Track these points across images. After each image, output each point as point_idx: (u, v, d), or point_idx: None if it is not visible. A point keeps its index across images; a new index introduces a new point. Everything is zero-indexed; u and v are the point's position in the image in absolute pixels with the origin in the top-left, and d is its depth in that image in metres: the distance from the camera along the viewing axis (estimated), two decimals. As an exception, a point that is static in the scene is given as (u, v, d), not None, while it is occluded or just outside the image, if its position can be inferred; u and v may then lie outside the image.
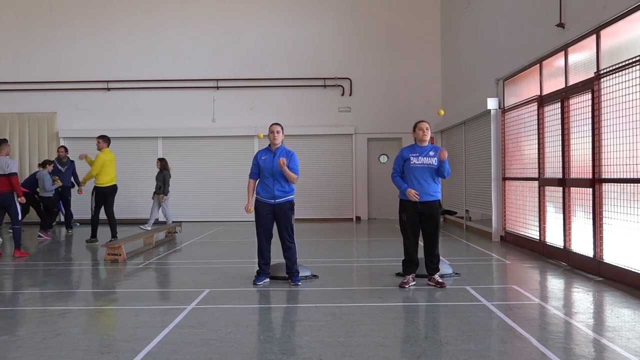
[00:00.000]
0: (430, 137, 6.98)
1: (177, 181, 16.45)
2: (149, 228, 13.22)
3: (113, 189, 11.03)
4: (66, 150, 13.70)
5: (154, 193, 13.56)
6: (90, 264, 8.94)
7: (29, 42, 16.67)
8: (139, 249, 10.16)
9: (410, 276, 6.69)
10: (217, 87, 16.55)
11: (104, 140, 11.07)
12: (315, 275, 7.28)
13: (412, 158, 6.56)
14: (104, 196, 10.93)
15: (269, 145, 7.01)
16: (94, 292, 6.98)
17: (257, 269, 7.06)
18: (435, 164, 6.51)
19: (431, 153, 6.56)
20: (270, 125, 6.95)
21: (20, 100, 16.61)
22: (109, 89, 16.64)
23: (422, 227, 6.64)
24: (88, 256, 9.60)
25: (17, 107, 16.59)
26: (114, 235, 10.83)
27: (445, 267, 7.25)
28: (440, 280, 6.60)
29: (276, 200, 6.83)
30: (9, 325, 5.23)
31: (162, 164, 13.73)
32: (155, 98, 16.61)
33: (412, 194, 6.46)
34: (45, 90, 16.57)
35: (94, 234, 11.12)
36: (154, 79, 16.51)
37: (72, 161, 13.59)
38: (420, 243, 6.75)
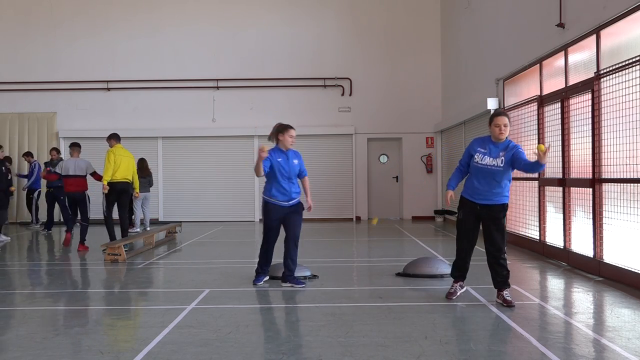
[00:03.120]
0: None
1: (177, 181, 16.50)
2: (138, 230, 13.24)
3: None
4: (58, 152, 13.66)
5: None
6: (90, 264, 8.93)
7: (29, 42, 16.67)
8: (139, 249, 10.16)
9: (458, 284, 6.01)
10: (217, 87, 16.55)
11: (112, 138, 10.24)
12: (315, 275, 7.27)
13: (476, 156, 5.73)
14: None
15: (278, 145, 6.79)
16: (94, 292, 6.98)
17: (257, 268, 7.01)
18: (501, 165, 5.59)
19: (501, 153, 5.62)
20: (290, 130, 6.66)
21: (20, 100, 16.61)
22: (109, 89, 16.64)
23: (483, 233, 5.82)
24: (88, 256, 9.60)
25: (17, 107, 16.59)
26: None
27: (445, 267, 7.24)
28: (507, 298, 5.62)
29: (291, 202, 6.74)
30: (9, 325, 5.22)
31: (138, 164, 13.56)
32: (155, 98, 16.61)
33: (447, 197, 5.87)
34: (45, 90, 16.57)
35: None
36: (154, 79, 16.51)
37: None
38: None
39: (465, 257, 5.92)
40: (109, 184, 9.74)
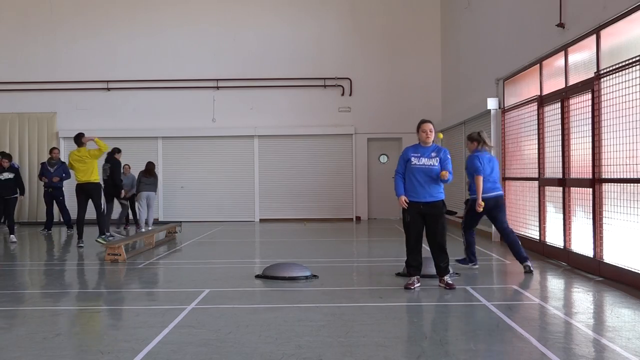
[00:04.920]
0: (438, 134, 6.87)
1: (176, 181, 16.48)
2: (143, 229, 13.28)
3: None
4: (58, 151, 13.66)
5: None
6: (90, 264, 8.94)
7: (29, 42, 16.65)
8: (139, 249, 10.16)
9: (415, 277, 6.56)
10: (217, 87, 16.55)
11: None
12: (315, 275, 7.27)
13: (412, 159, 6.50)
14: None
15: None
16: (94, 292, 6.98)
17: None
18: (437, 165, 6.43)
19: (433, 154, 6.48)
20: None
21: (20, 100, 16.59)
22: (109, 89, 16.64)
23: (426, 228, 6.55)
24: (88, 256, 9.60)
25: (17, 107, 16.57)
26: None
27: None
28: (449, 282, 6.50)
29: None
30: (9, 325, 5.22)
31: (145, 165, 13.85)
32: (155, 98, 16.60)
33: (401, 201, 6.48)
34: (45, 90, 16.55)
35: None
36: (154, 79, 16.50)
37: (63, 162, 13.16)
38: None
39: (417, 254, 6.58)
40: (76, 186, 10.57)
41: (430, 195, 6.45)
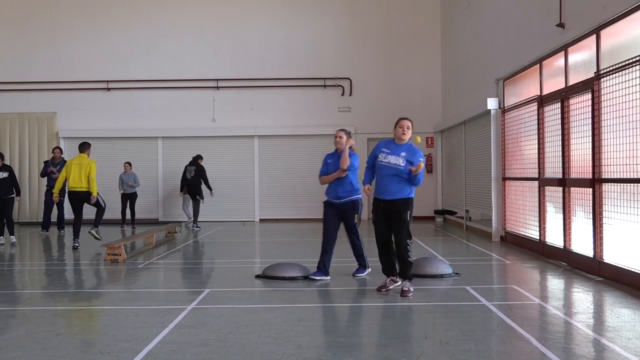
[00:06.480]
0: (416, 137, 6.79)
1: (176, 181, 16.42)
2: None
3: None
4: (61, 151, 13.66)
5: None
6: (90, 264, 8.93)
7: (29, 42, 16.65)
8: (139, 249, 10.16)
9: (389, 279, 6.39)
10: (217, 87, 16.55)
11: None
12: (315, 275, 7.26)
13: (380, 155, 6.23)
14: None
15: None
16: (94, 292, 6.98)
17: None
18: (403, 164, 6.09)
19: (402, 154, 6.14)
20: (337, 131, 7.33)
21: (20, 100, 16.59)
22: (109, 89, 16.64)
23: (390, 225, 6.24)
24: (88, 256, 9.60)
25: (17, 107, 16.57)
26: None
27: (445, 267, 7.25)
28: (405, 289, 6.11)
29: (341, 200, 7.15)
30: (9, 325, 5.23)
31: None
32: (155, 98, 16.59)
33: (365, 189, 6.34)
34: (45, 90, 16.55)
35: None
36: (154, 79, 16.50)
37: (65, 161, 13.23)
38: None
39: (386, 255, 6.34)
40: (68, 192, 10.65)
41: (390, 193, 6.13)
